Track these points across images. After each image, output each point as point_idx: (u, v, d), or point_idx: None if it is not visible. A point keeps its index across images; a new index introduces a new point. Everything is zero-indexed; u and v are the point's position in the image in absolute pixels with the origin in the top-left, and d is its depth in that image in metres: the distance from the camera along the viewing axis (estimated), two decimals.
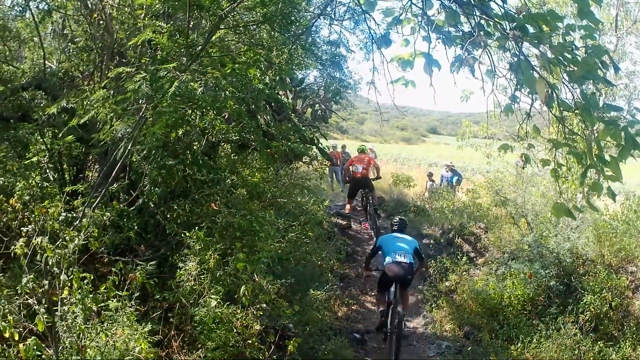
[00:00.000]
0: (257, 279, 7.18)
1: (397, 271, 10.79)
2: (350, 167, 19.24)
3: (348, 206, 19.87)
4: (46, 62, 9.13)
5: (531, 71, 5.06)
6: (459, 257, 15.41)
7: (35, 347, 5.04)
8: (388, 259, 11.00)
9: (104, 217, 6.71)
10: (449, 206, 19.20)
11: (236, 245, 7.42)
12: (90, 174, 9.58)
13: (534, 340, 10.85)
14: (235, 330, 6.57)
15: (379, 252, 11.50)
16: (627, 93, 21.11)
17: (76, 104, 8.09)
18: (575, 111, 5.31)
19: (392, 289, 11.06)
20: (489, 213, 17.78)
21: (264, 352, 6.91)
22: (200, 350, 6.52)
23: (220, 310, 6.50)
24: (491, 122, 20.01)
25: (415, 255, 11.32)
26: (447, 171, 26.60)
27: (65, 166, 9.13)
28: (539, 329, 11.11)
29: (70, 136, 7.91)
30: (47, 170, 8.70)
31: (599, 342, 10.61)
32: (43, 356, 5.20)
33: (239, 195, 8.89)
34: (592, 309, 11.17)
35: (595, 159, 5.16)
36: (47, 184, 8.42)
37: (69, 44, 9.56)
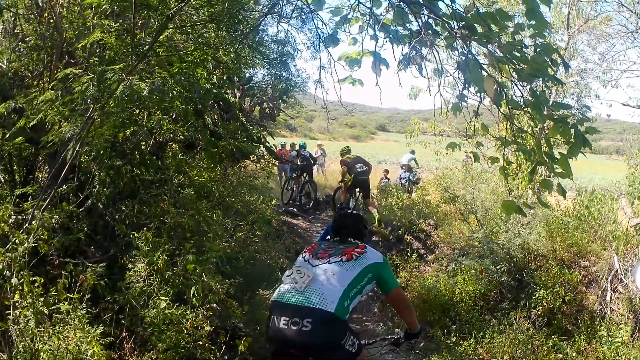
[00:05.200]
0: (206, 279, 7.13)
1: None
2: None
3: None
4: None
5: (479, 70, 5.06)
6: (409, 254, 15.49)
7: None
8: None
9: (53, 220, 6.63)
10: (398, 203, 19.25)
11: (185, 246, 7.35)
12: (41, 175, 9.46)
13: (487, 335, 10.92)
14: (185, 332, 6.56)
15: None
16: (577, 90, 21.41)
17: (25, 104, 7.97)
18: (525, 109, 5.33)
19: None
20: (438, 210, 17.90)
21: (215, 353, 6.90)
22: (151, 352, 6.48)
23: (170, 311, 6.47)
24: (440, 119, 20.13)
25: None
26: (405, 171, 26.74)
27: (15, 167, 8.99)
28: (492, 324, 11.20)
29: (20, 137, 7.80)
30: None
31: (552, 337, 10.71)
32: None
33: (186, 195, 8.83)
34: (545, 304, 11.29)
35: (544, 156, 5.19)
36: None
37: (20, 43, 9.43)
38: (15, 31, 9.47)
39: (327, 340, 5.19)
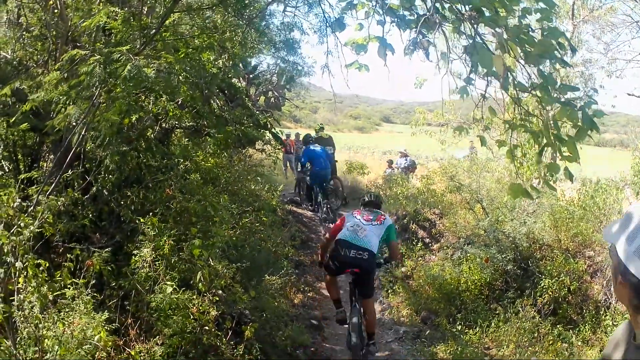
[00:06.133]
0: (212, 264, 7.12)
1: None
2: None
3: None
4: (1, 52, 8.98)
5: (487, 50, 5.04)
6: (414, 243, 15.49)
7: None
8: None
9: (59, 202, 6.60)
10: (404, 193, 19.22)
11: (191, 231, 7.33)
12: (45, 165, 9.44)
13: (493, 324, 10.91)
14: (192, 317, 6.51)
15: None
16: (582, 80, 21.31)
17: (29, 87, 7.95)
18: (532, 91, 5.31)
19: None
20: (443, 199, 17.83)
21: (222, 338, 6.86)
22: (157, 337, 6.44)
23: (177, 296, 6.42)
24: (445, 108, 20.11)
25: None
26: (400, 157, 26.76)
27: (19, 157, 8.98)
28: (497, 313, 11.18)
29: (25, 124, 7.77)
30: (2, 161, 8.56)
31: (557, 326, 10.68)
32: (1, 347, 5.08)
33: (193, 180, 8.80)
34: (550, 293, 11.25)
35: (552, 137, 5.16)
36: (2, 172, 8.31)
37: (24, 32, 9.41)
38: (20, 21, 9.46)
39: (371, 266, 9.69)
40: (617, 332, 2.74)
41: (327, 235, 11.24)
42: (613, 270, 2.50)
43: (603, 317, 10.79)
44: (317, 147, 20.51)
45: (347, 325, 9.95)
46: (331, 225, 14.28)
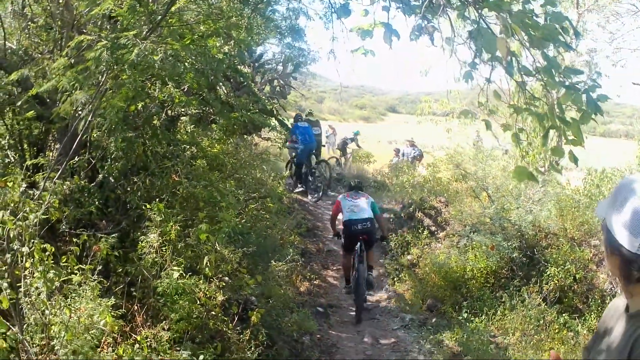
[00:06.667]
0: (218, 249, 7.13)
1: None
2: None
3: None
4: (6, 42, 8.98)
5: (492, 34, 5.04)
6: (420, 231, 15.58)
7: None
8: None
9: (64, 187, 6.61)
10: (410, 181, 19.25)
11: (197, 216, 7.34)
12: (51, 154, 9.44)
13: (498, 312, 10.94)
14: (198, 302, 6.52)
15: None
16: (587, 70, 21.25)
17: (36, 73, 7.96)
18: (537, 75, 5.30)
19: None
20: (449, 187, 17.86)
21: (228, 324, 6.86)
22: (164, 322, 6.45)
23: (183, 281, 6.43)
24: (450, 97, 20.14)
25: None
26: (407, 146, 26.78)
27: (25, 146, 8.99)
28: (503, 300, 11.22)
29: (31, 112, 7.78)
30: (8, 150, 8.57)
31: (563, 314, 10.71)
32: (8, 333, 5.08)
33: (199, 166, 8.81)
34: (556, 281, 11.29)
35: (557, 120, 5.16)
36: (8, 160, 8.32)
37: (29, 23, 9.40)
38: (25, 11, 9.46)
39: (374, 228, 12.73)
40: (611, 304, 2.76)
41: (332, 214, 14.00)
42: (604, 243, 2.52)
43: None
44: (305, 124, 21.41)
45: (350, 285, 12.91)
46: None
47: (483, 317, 11.07)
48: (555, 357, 2.88)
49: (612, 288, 11.33)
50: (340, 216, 13.28)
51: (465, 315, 11.32)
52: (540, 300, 10.95)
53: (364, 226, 12.57)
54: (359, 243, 12.53)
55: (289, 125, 17.77)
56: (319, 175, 21.03)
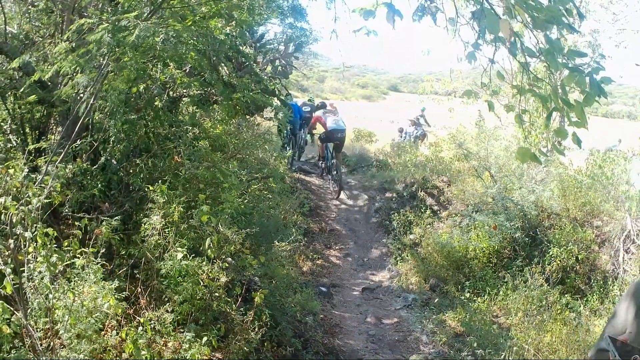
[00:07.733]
0: (221, 230, 7.12)
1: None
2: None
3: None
4: (7, 27, 8.94)
5: (495, 15, 5.01)
6: (422, 211, 15.53)
7: (2, 311, 4.93)
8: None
9: (67, 170, 6.61)
10: (412, 160, 19.25)
11: (200, 197, 7.33)
12: (53, 138, 9.43)
13: (501, 292, 10.96)
14: (201, 283, 6.52)
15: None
16: (590, 51, 21.16)
17: (37, 58, 7.93)
18: (540, 56, 5.28)
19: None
20: (451, 167, 17.84)
21: (231, 305, 6.88)
22: (167, 304, 6.45)
23: (186, 263, 6.43)
24: (453, 77, 20.15)
25: None
26: (409, 126, 26.75)
27: (27, 130, 8.97)
28: (505, 280, 11.23)
29: (33, 96, 7.75)
30: (10, 135, 8.55)
31: (565, 295, 10.72)
32: (12, 319, 5.09)
33: (201, 147, 8.78)
34: (559, 262, 11.31)
35: (560, 101, 5.14)
36: (10, 145, 8.31)
37: (30, 7, 9.36)
38: None
39: (345, 137, 20.42)
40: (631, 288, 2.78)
41: (311, 122, 21.78)
42: None
43: (611, 287, 10.84)
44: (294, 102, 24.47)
45: (329, 175, 20.34)
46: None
47: (485, 297, 11.10)
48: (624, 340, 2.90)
49: (615, 269, 11.34)
50: (319, 127, 20.82)
51: (467, 295, 11.34)
52: (543, 280, 10.95)
53: (342, 135, 19.66)
54: (333, 145, 19.85)
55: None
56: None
